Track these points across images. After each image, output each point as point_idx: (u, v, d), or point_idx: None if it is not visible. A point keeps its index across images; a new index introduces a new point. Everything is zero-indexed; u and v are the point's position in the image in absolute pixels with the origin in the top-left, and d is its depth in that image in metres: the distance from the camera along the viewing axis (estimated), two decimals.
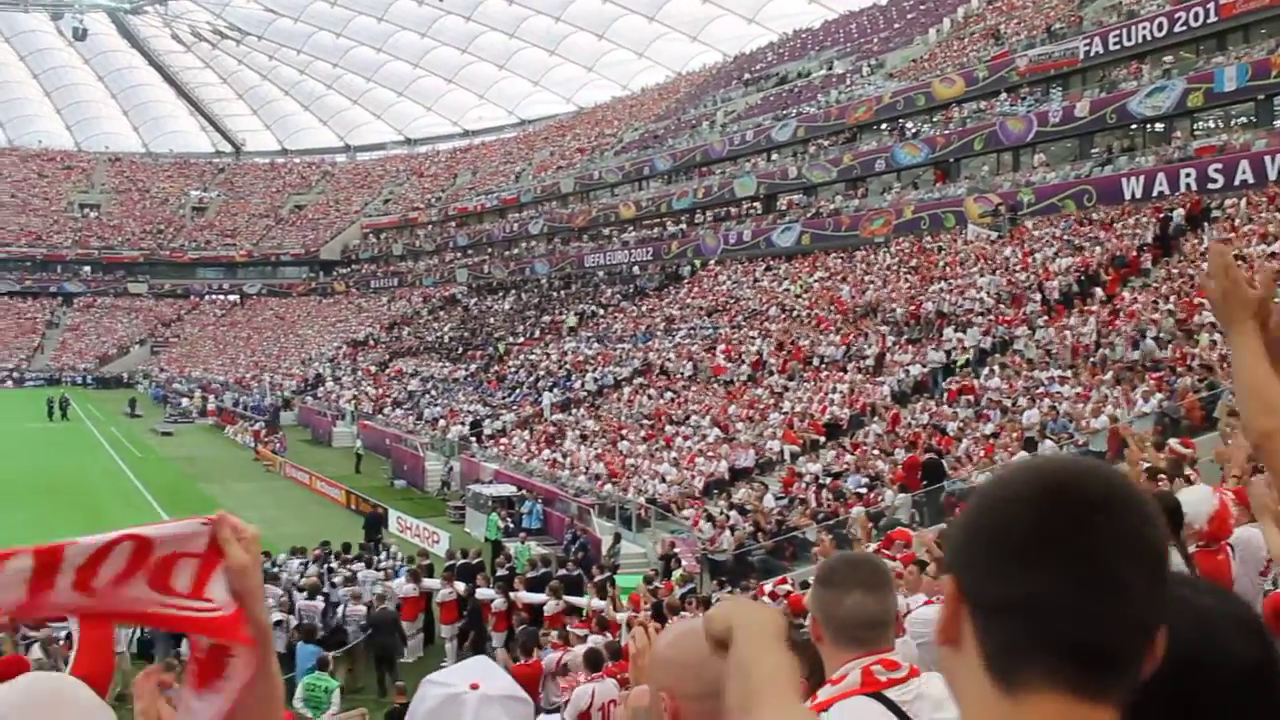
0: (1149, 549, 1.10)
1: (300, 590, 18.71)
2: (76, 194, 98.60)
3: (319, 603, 18.39)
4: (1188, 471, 7.86)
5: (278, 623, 17.45)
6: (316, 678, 13.83)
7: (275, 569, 20.63)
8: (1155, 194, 30.14)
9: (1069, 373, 22.56)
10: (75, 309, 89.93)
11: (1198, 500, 5.28)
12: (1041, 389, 22.20)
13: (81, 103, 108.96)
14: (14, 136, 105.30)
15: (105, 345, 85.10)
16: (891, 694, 2.35)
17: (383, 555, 23.02)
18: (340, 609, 18.25)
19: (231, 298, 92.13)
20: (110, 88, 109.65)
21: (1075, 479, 1.10)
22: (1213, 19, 32.37)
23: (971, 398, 23.71)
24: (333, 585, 19.56)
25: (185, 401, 60.22)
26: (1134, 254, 27.23)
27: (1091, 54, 36.38)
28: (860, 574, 2.53)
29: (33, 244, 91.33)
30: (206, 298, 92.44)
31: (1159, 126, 33.47)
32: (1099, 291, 26.14)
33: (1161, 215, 28.50)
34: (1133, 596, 1.07)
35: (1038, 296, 27.29)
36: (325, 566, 21.21)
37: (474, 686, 1.97)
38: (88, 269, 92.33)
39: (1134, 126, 34.00)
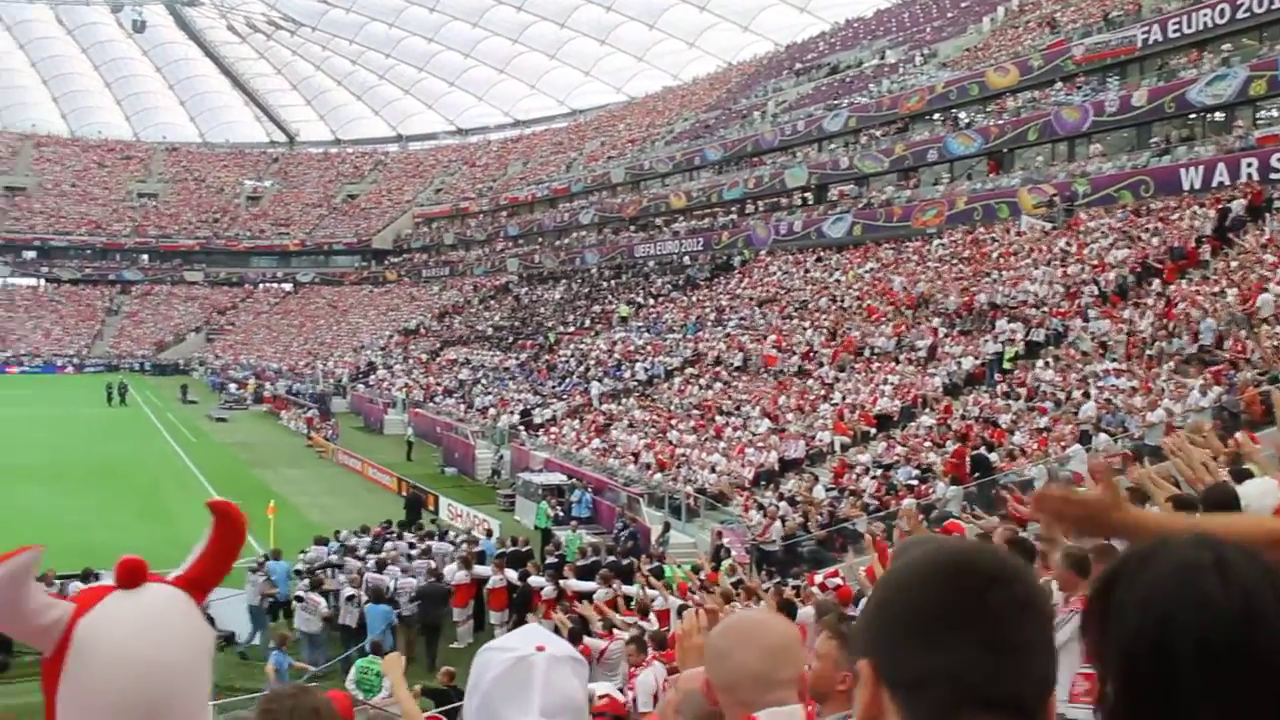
0: (1041, 612, 1.24)
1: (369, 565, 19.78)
2: (135, 183, 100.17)
3: (387, 577, 19.04)
4: (1249, 465, 7.75)
5: (350, 597, 18.20)
6: (370, 661, 14.05)
7: (343, 545, 21.95)
8: (1215, 184, 29.57)
9: (1124, 365, 22.29)
10: (133, 296, 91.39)
11: (1261, 493, 5.23)
12: (1098, 382, 21.95)
13: (140, 94, 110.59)
14: (76, 127, 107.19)
15: (162, 332, 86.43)
16: None
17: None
18: (394, 583, 18.87)
19: (285, 286, 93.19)
20: (168, 79, 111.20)
21: (970, 558, 1.25)
22: (1277, 5, 31.67)
23: (1024, 390, 23.50)
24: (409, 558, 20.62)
25: (233, 388, 61.27)
26: (1192, 245, 26.80)
27: (1150, 42, 35.81)
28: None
29: (93, 233, 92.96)
30: (260, 286, 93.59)
31: (1219, 116, 32.86)
32: (1155, 283, 25.78)
33: (1220, 206, 28.02)
34: (1034, 652, 1.21)
35: (1093, 288, 26.96)
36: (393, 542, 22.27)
37: (540, 648, 1.96)
38: (145, 257, 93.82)
39: (1193, 115, 33.38)
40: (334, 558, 21.20)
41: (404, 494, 32.01)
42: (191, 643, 1.67)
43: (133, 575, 1.62)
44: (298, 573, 20.27)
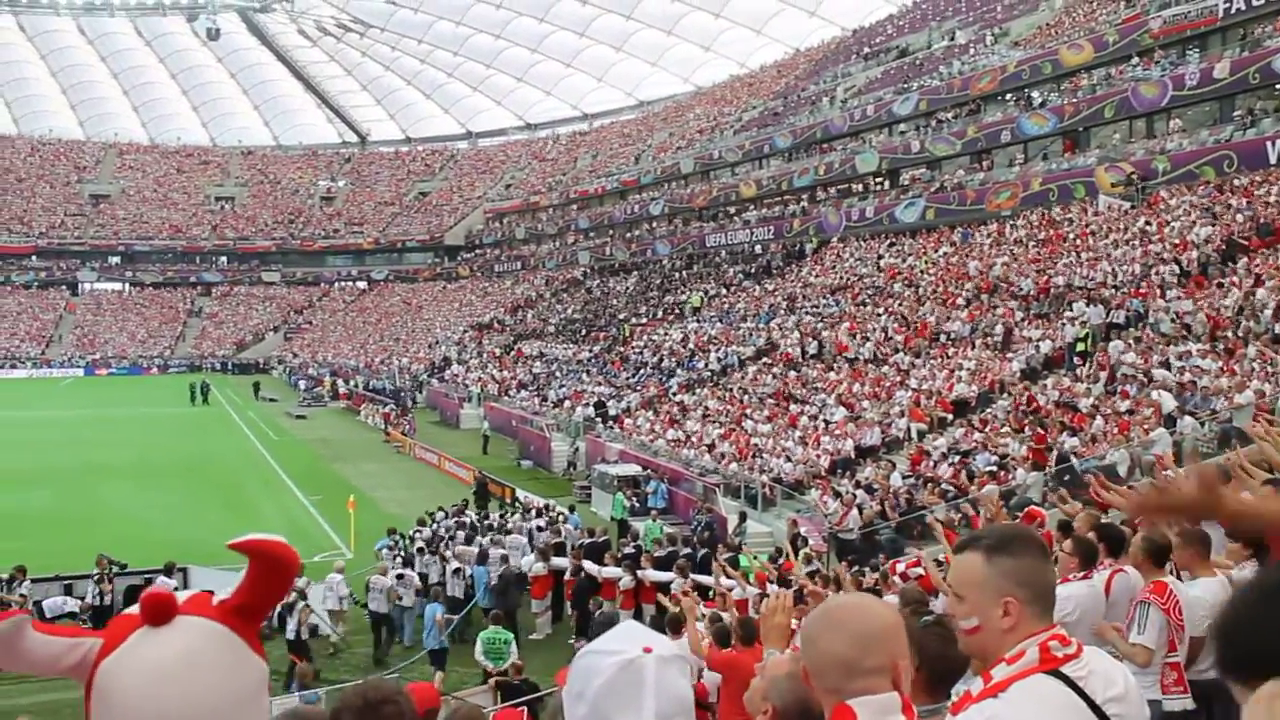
0: None
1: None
2: (212, 187, 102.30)
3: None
4: None
5: (456, 570, 19.84)
6: (495, 632, 14.95)
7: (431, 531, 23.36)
8: None
9: (1208, 346, 21.72)
10: (213, 298, 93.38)
11: None
12: (1180, 364, 21.43)
13: (215, 99, 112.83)
14: (155, 135, 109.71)
15: (242, 332, 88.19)
16: (1067, 670, 2.29)
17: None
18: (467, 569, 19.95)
19: (360, 284, 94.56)
20: (242, 84, 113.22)
21: None
22: None
23: (1105, 374, 23.02)
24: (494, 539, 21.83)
25: (303, 384, 62.56)
26: (1278, 221, 26.02)
27: (1233, 11, 34.79)
28: (1035, 541, 2.48)
29: (173, 237, 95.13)
30: (336, 285, 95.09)
31: None
32: (1241, 261, 25.08)
33: None
34: None
35: (1174, 268, 26.32)
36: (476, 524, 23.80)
37: (647, 649, 1.86)
38: (224, 259, 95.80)
39: (1279, 86, 32.43)
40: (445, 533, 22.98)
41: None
42: (228, 685, 1.49)
43: (158, 613, 1.46)
44: (420, 550, 21.30)
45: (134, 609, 1.50)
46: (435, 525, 23.87)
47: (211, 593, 1.56)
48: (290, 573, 1.65)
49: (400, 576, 18.87)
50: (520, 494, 30.36)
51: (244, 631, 1.52)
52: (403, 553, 21.44)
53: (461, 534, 22.24)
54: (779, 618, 3.62)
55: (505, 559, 19.74)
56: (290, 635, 16.74)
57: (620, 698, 1.81)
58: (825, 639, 2.06)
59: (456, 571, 19.74)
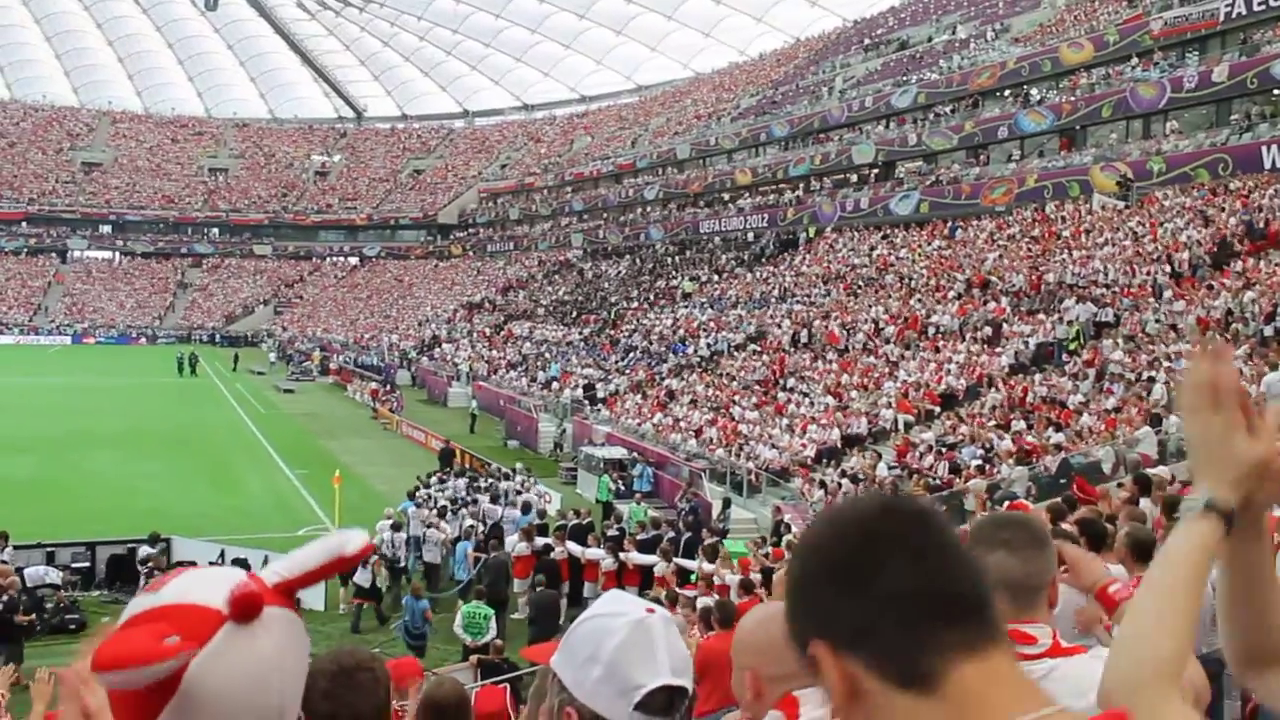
0: (952, 536, 1.18)
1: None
2: (206, 158, 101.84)
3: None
4: None
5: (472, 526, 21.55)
6: (475, 606, 15.32)
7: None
8: None
9: (1196, 347, 21.75)
10: (204, 270, 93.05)
11: None
12: (1169, 364, 21.50)
13: (212, 70, 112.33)
14: (150, 104, 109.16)
15: (232, 305, 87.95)
16: (1025, 667, 2.24)
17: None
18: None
19: (351, 260, 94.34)
20: (238, 55, 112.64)
21: (883, 505, 1.20)
22: None
23: (1093, 371, 23.09)
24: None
25: (272, 353, 62.47)
26: (1272, 225, 26.09)
27: (1233, 15, 34.81)
28: (1005, 533, 2.45)
29: (165, 207, 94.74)
30: (328, 260, 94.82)
31: None
32: (1232, 264, 25.16)
33: None
34: (968, 559, 1.17)
35: (1165, 268, 26.39)
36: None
37: (650, 611, 1.86)
38: (216, 231, 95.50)
39: (1276, 92, 32.45)
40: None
41: (468, 466, 32.45)
42: (303, 667, 1.49)
43: (250, 612, 1.38)
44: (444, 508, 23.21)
45: (198, 597, 1.37)
46: (441, 489, 25.71)
47: (247, 566, 1.49)
48: (349, 568, 1.63)
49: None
50: (492, 465, 30.79)
51: (298, 611, 1.48)
52: (434, 510, 22.81)
53: (485, 496, 24.54)
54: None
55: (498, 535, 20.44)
56: (364, 582, 18.23)
57: (637, 655, 1.80)
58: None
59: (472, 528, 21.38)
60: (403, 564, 20.10)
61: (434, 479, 27.12)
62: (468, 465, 31.64)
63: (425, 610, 16.26)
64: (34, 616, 15.94)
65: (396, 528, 20.29)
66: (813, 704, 1.97)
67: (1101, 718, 1.31)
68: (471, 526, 21.27)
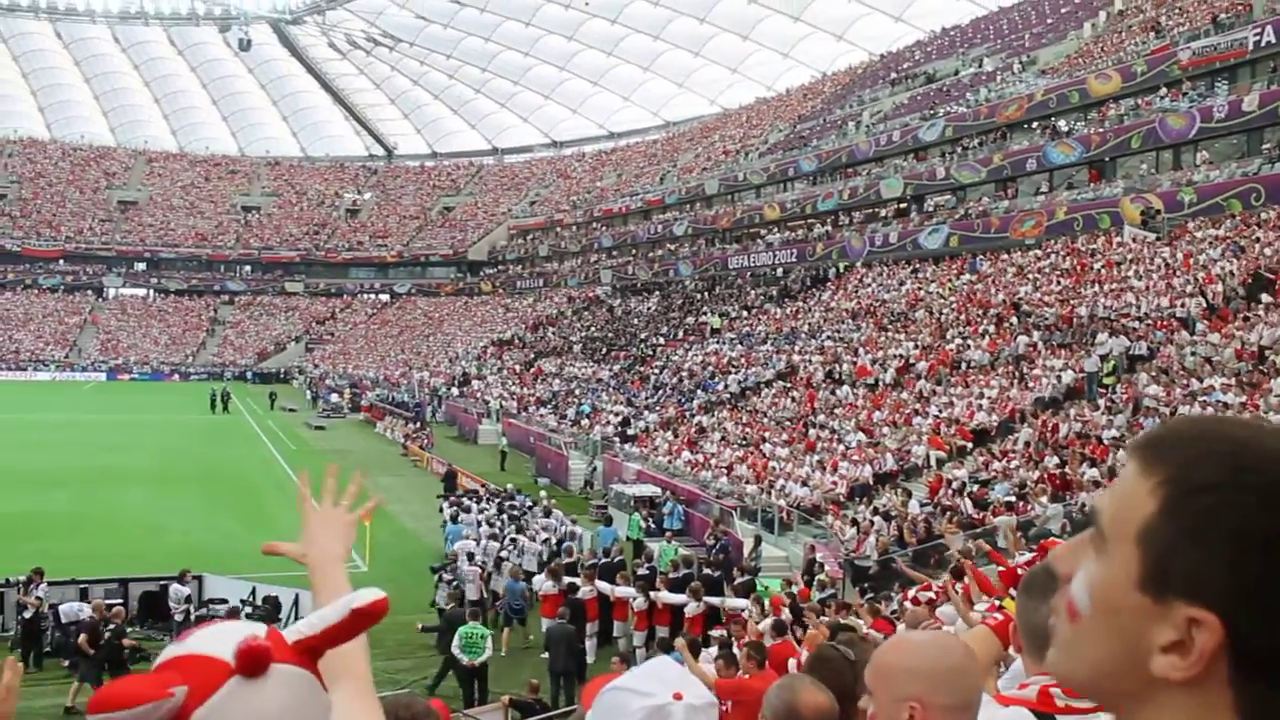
0: None
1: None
2: (239, 196, 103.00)
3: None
4: None
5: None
6: (472, 627, 15.77)
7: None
8: None
9: (1232, 380, 21.54)
10: (236, 306, 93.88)
11: None
12: (1204, 398, 21.25)
13: (245, 110, 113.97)
14: (184, 143, 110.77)
15: (264, 342, 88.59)
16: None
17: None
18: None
19: (382, 297, 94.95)
20: (271, 95, 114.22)
21: None
22: None
23: (1128, 406, 22.85)
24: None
25: (334, 397, 62.49)
26: None
27: (1262, 44, 34.65)
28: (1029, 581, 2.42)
29: (199, 245, 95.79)
30: (359, 297, 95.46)
31: None
32: (1266, 296, 24.89)
33: None
34: None
35: (1199, 301, 26.14)
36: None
37: (678, 696, 1.77)
38: (248, 268, 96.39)
39: None
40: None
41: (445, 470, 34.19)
42: None
43: (257, 666, 1.35)
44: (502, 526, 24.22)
45: (211, 649, 1.36)
46: (498, 503, 27.07)
47: (276, 627, 1.47)
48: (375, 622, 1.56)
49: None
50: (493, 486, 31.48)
51: (316, 670, 1.44)
52: (496, 529, 23.91)
53: (539, 509, 26.28)
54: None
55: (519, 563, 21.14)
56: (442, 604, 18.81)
57: None
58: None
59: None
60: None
61: (469, 500, 27.92)
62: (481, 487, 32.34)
63: (523, 590, 19.47)
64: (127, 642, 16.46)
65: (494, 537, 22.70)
66: None
67: None
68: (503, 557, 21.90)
